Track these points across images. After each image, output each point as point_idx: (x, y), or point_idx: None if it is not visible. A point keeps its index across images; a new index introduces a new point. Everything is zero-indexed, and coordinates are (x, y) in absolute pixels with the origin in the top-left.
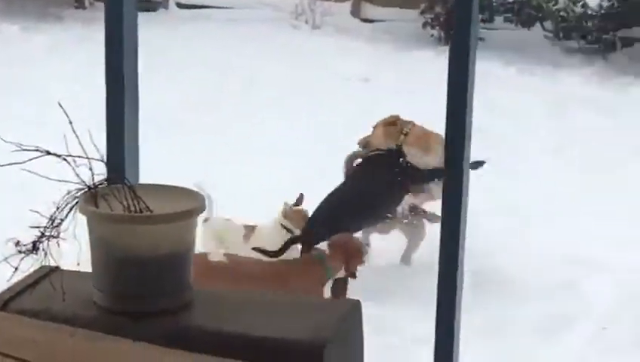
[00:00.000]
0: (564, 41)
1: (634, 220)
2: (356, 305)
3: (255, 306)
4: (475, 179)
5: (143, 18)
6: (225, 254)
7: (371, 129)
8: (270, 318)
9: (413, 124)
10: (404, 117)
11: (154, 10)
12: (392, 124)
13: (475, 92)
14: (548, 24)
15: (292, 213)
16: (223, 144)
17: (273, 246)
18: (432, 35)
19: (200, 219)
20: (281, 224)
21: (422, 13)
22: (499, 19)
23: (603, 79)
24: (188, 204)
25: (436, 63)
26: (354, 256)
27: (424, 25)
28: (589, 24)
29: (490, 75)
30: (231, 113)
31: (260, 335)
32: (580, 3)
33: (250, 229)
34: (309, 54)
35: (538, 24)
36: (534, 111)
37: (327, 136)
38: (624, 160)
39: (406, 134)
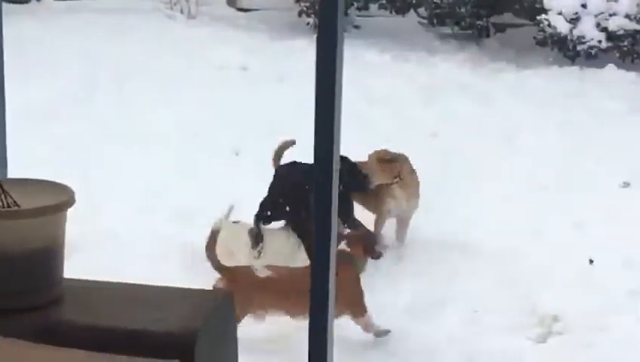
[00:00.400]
0: (438, 27)
1: (506, 205)
2: (228, 296)
3: (126, 299)
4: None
5: (14, 10)
6: (267, 267)
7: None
8: (142, 310)
9: (408, 171)
10: (283, 108)
11: (26, 1)
12: (388, 162)
13: (351, 79)
14: (422, 11)
15: None
16: (99, 135)
17: (283, 249)
18: (308, 24)
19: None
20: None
21: (297, 1)
22: (374, 7)
23: (476, 65)
24: (56, 198)
25: (311, 51)
26: (371, 248)
27: (300, 13)
28: (463, 10)
29: (366, 62)
30: (107, 104)
31: (131, 328)
32: None
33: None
34: (185, 44)
35: (412, 11)
36: (409, 97)
37: (204, 126)
38: (497, 144)
39: (400, 178)
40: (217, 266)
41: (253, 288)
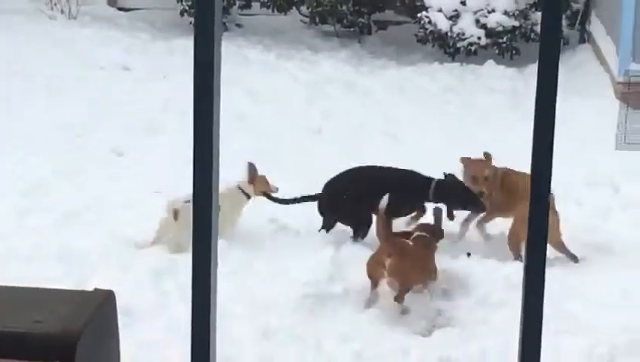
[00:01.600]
0: (320, 25)
1: None
2: (109, 296)
3: (7, 301)
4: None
5: None
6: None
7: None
8: (22, 313)
9: (496, 173)
10: (166, 107)
11: None
12: (479, 164)
13: (234, 78)
14: (304, 9)
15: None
16: None
17: (232, 208)
18: (191, 23)
19: None
20: (240, 188)
21: (179, 1)
22: (256, 5)
23: (358, 62)
24: None
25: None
26: (438, 232)
27: (182, 12)
28: (344, 8)
29: (249, 60)
30: None
31: (11, 331)
32: None
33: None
34: (65, 44)
35: (294, 9)
36: (293, 95)
37: (86, 126)
38: (379, 140)
39: (486, 178)
40: (384, 235)
41: (411, 258)
